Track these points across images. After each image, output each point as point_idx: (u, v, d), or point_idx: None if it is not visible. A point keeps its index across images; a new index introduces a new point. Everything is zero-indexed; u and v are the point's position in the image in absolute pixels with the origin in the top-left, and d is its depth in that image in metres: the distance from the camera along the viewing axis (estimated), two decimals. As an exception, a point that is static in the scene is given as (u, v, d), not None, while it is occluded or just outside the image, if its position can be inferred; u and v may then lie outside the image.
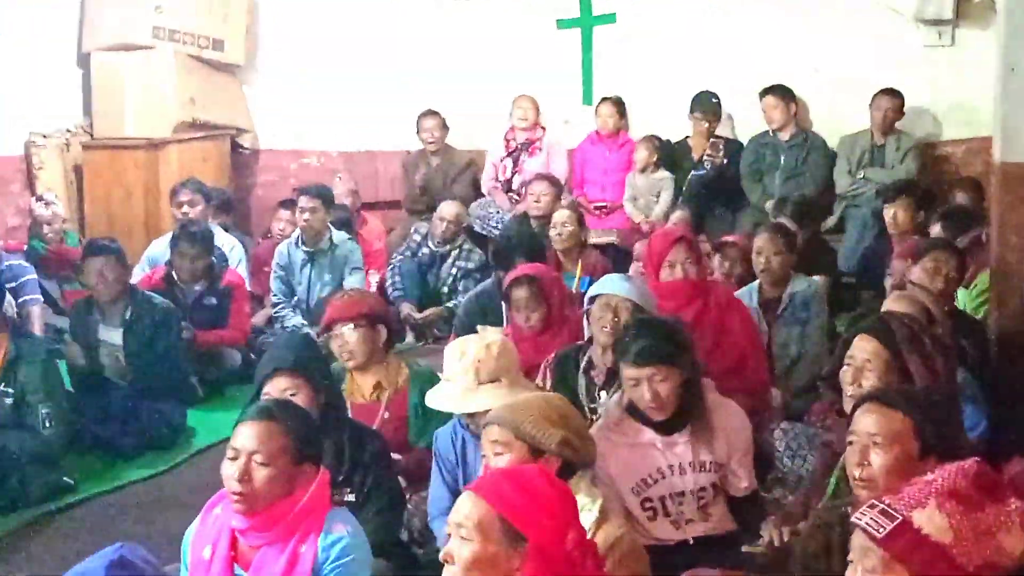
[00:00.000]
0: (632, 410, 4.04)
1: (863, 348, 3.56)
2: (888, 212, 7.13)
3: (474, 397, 4.05)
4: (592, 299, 4.83)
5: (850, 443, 3.08)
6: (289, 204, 8.30)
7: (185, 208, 7.87)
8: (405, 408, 4.92)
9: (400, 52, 9.41)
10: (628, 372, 3.97)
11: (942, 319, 4.27)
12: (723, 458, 4.06)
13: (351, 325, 4.90)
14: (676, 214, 8.28)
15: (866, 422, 3.04)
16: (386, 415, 4.86)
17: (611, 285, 4.82)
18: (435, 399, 4.21)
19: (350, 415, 4.60)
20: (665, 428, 4.01)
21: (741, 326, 5.26)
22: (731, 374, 4.97)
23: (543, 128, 9.13)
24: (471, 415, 4.07)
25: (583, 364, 4.77)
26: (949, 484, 2.34)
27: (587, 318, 4.86)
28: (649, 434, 4.01)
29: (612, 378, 4.58)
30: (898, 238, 7.05)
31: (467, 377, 4.08)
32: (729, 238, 6.86)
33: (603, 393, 4.63)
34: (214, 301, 7.07)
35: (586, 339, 4.92)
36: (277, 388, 4.04)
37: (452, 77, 9.23)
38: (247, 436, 3.27)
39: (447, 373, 4.17)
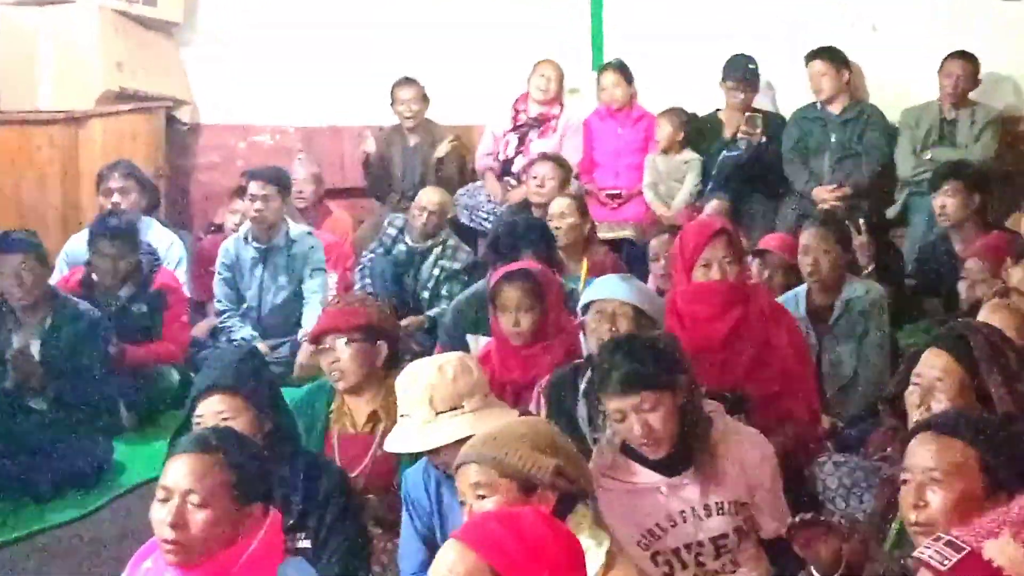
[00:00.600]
0: (627, 449, 4.04)
1: (934, 364, 3.56)
2: (936, 202, 7.23)
3: (433, 431, 4.04)
4: (587, 307, 4.85)
5: (904, 481, 3.09)
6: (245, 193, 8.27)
7: (116, 197, 7.86)
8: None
9: (372, 7, 9.42)
10: (612, 404, 3.98)
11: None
12: (742, 496, 4.07)
13: (345, 339, 4.91)
14: (712, 203, 8.30)
15: (923, 455, 3.05)
16: (379, 452, 4.78)
17: (606, 288, 4.85)
18: (390, 440, 4.21)
19: (336, 448, 4.65)
20: (668, 467, 4.03)
21: (789, 340, 5.26)
22: (776, 399, 4.97)
23: (562, 105, 9.12)
24: (436, 452, 4.05)
25: (583, 386, 4.75)
26: (1027, 514, 2.35)
27: (583, 330, 4.88)
28: (650, 476, 4.02)
29: None
30: (956, 232, 7.12)
31: (422, 408, 4.07)
32: (769, 245, 6.83)
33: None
34: (144, 309, 7.05)
35: (585, 356, 4.92)
36: (210, 410, 4.07)
37: (434, 38, 9.25)
38: (180, 472, 3.26)
39: (401, 408, 4.18)
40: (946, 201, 7.17)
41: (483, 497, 3.37)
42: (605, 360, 4.06)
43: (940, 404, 3.51)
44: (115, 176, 7.94)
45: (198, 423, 4.04)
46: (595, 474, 3.99)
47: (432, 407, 4.05)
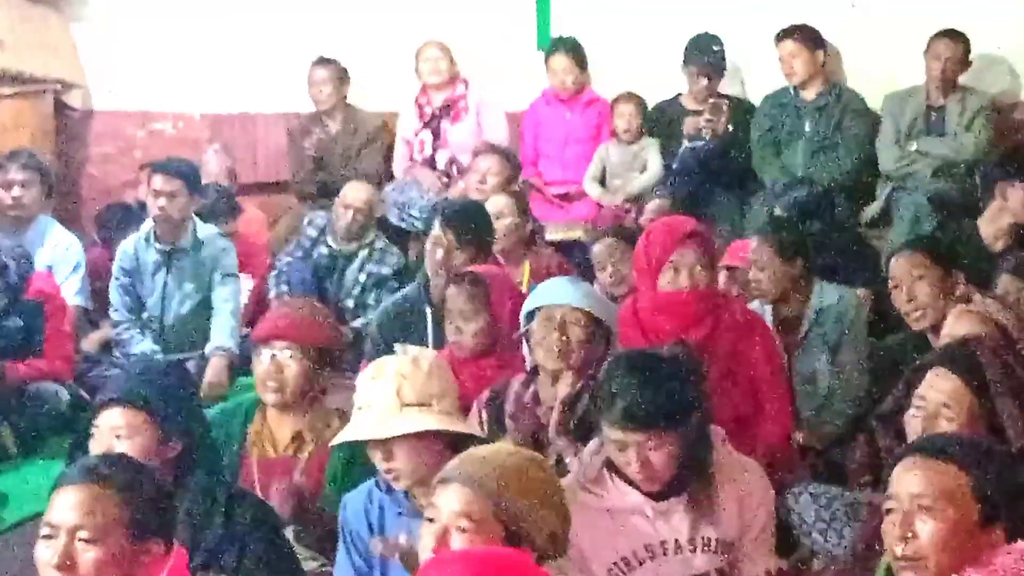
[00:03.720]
0: (614, 466, 4.03)
1: (939, 387, 3.58)
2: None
3: (396, 421, 4.03)
4: (531, 314, 4.84)
5: (888, 511, 3.10)
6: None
7: (17, 191, 7.81)
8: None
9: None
10: (612, 434, 3.96)
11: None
12: (732, 535, 4.06)
13: (297, 351, 4.91)
14: (652, 203, 8.24)
15: (910, 481, 3.06)
16: (302, 477, 4.82)
17: (553, 293, 4.86)
18: (342, 433, 4.21)
19: (255, 474, 4.67)
20: (657, 491, 4.01)
21: (762, 355, 5.30)
22: (746, 421, 4.99)
23: (465, 82, 9.16)
24: (389, 455, 4.02)
25: (528, 401, 4.80)
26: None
27: (526, 340, 4.89)
28: (635, 497, 4.02)
29: (568, 420, 4.62)
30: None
31: (387, 398, 4.06)
32: (737, 256, 6.81)
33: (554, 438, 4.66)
34: (19, 321, 6.96)
35: (529, 369, 4.94)
36: (106, 424, 4.10)
37: (360, 15, 9.26)
38: (66, 506, 3.23)
39: (359, 401, 4.17)
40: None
41: (463, 530, 3.29)
42: (613, 381, 3.99)
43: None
44: (14, 167, 7.86)
45: (94, 433, 4.07)
46: (575, 486, 4.02)
47: (399, 397, 4.05)
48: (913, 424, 3.62)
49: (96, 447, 4.11)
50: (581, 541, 3.90)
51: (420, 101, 9.15)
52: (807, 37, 8.55)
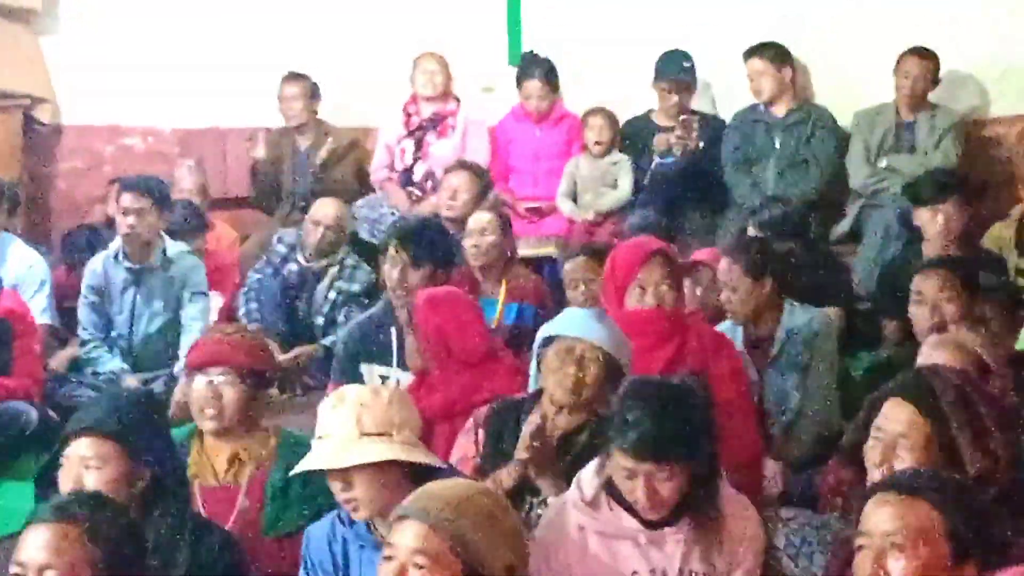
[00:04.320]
0: (613, 489, 4.02)
1: (897, 417, 3.58)
2: (935, 217, 7.14)
3: (356, 450, 4.02)
4: (547, 340, 4.80)
5: (859, 547, 3.10)
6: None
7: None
8: (270, 489, 4.96)
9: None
10: (622, 461, 3.93)
11: (1002, 372, 4.29)
12: (721, 571, 4.04)
13: (234, 376, 4.92)
14: (633, 218, 8.16)
15: (882, 517, 3.06)
16: (246, 503, 4.82)
17: (576, 325, 4.78)
18: (303, 462, 4.18)
19: (199, 503, 4.64)
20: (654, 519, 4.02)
21: (729, 375, 5.31)
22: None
23: (457, 100, 9.15)
24: (348, 485, 4.01)
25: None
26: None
27: (537, 364, 4.86)
28: (630, 523, 4.01)
29: (567, 447, 4.62)
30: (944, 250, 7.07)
31: (346, 427, 4.06)
32: (701, 254, 6.84)
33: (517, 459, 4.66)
34: (-14, 342, 6.94)
35: (530, 392, 4.94)
36: (76, 454, 4.09)
37: (330, 30, 9.26)
38: (35, 546, 3.24)
39: (319, 431, 4.16)
40: (952, 216, 7.11)
41: (420, 567, 3.27)
42: (627, 408, 3.95)
43: (903, 462, 3.53)
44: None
45: (63, 463, 4.07)
46: (572, 505, 4.03)
47: (359, 426, 4.04)
48: (871, 454, 3.62)
49: (65, 477, 4.10)
50: (571, 561, 3.94)
51: (409, 109, 9.13)
52: (774, 55, 8.60)
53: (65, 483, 4.08)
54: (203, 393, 4.93)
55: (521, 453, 4.56)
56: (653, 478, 3.89)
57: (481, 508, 3.38)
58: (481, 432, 4.92)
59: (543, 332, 4.89)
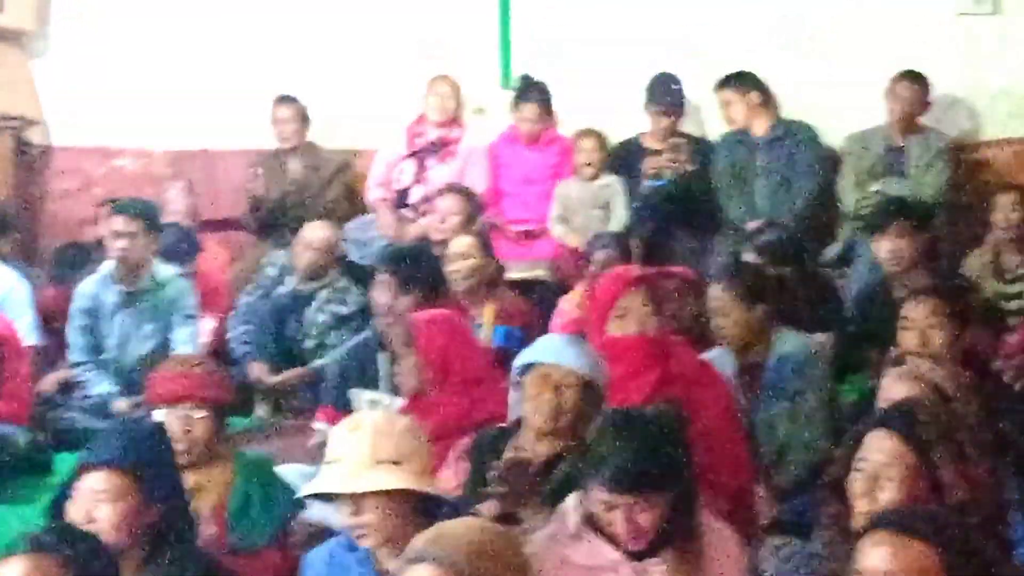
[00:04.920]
0: (593, 521, 4.01)
1: (880, 448, 3.57)
2: (884, 245, 7.18)
3: (369, 477, 4.01)
4: (525, 368, 4.80)
5: None
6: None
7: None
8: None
9: (251, 16, 9.43)
10: (600, 495, 3.92)
11: (966, 398, 4.28)
12: (702, 601, 4.05)
13: (205, 409, 4.98)
14: (599, 254, 7.77)
15: (877, 558, 3.05)
16: (211, 531, 4.81)
17: (553, 352, 4.79)
18: (312, 484, 4.19)
19: None
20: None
21: (716, 404, 5.28)
22: (702, 469, 4.96)
23: (462, 126, 9.17)
24: (358, 510, 4.00)
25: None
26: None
27: (514, 390, 4.87)
28: (612, 555, 3.99)
29: (550, 473, 4.61)
30: (900, 276, 7.10)
31: (360, 452, 4.05)
32: (675, 268, 6.78)
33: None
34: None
35: (511, 422, 4.92)
36: (89, 487, 4.08)
37: (322, 51, 9.27)
38: None
39: (331, 455, 4.15)
40: (898, 243, 7.16)
41: None
42: (603, 442, 3.95)
43: (887, 493, 3.53)
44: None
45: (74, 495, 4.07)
46: (553, 539, 4.02)
47: (372, 454, 4.03)
48: (855, 485, 3.61)
49: (76, 509, 4.10)
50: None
51: (414, 130, 9.12)
52: (738, 83, 8.65)
53: (76, 515, 4.07)
54: (174, 428, 4.92)
55: (498, 487, 4.55)
56: (632, 510, 3.88)
57: (497, 552, 3.38)
58: (463, 463, 4.93)
59: (519, 360, 4.90)
